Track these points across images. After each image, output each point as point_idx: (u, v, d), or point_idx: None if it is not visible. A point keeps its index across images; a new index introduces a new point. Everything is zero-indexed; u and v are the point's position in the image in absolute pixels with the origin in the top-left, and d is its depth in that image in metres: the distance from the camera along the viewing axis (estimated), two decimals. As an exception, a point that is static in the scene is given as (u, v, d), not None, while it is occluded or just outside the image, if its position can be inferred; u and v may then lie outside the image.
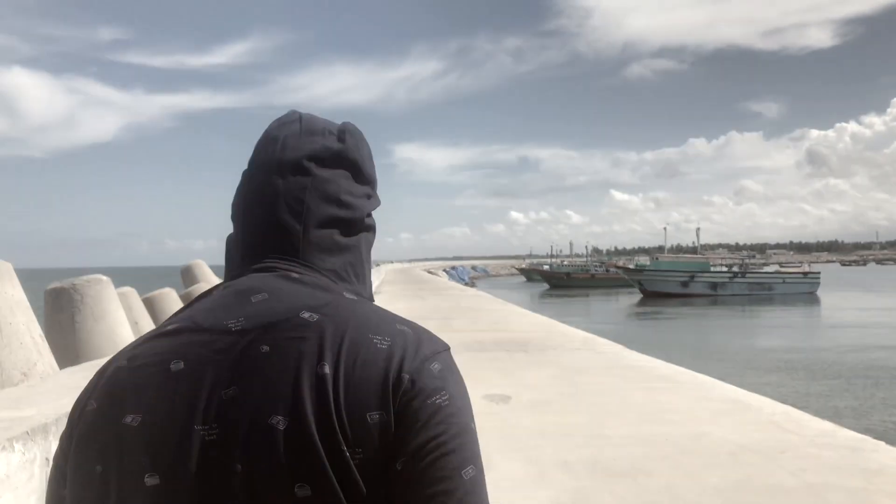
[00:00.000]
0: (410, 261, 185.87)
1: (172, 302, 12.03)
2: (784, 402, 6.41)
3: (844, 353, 19.99)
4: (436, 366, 0.80)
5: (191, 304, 0.87)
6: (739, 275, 54.53)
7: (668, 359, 8.96)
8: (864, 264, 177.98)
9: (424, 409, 0.76)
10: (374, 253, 1.02)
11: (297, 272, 0.86)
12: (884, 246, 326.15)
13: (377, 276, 36.37)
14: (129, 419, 0.77)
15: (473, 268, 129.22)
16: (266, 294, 0.83)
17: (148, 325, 9.80)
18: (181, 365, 0.79)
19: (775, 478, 4.12)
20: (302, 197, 0.89)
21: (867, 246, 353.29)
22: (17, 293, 5.53)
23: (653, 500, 3.82)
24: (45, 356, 5.56)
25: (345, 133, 0.95)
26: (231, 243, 0.93)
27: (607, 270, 76.64)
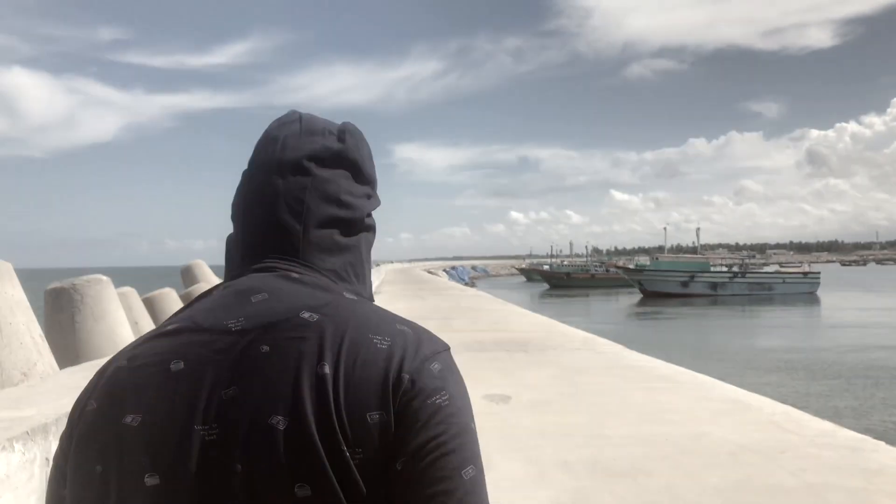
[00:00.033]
0: (410, 261, 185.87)
1: (172, 302, 12.03)
2: (784, 402, 6.41)
3: (844, 353, 19.99)
4: (436, 366, 0.80)
5: (191, 304, 0.87)
6: (739, 275, 54.53)
7: (668, 359, 8.96)
8: (864, 264, 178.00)
9: (424, 409, 0.76)
10: (374, 253, 1.02)
11: (297, 272, 0.86)
12: (884, 246, 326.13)
13: (377, 277, 36.38)
14: (129, 419, 0.77)
15: (473, 268, 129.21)
16: (266, 294, 0.82)
17: (148, 326, 9.80)
18: (181, 365, 0.78)
19: (775, 478, 4.12)
20: (302, 197, 0.88)
21: (867, 246, 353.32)
22: (17, 293, 5.53)
23: (653, 499, 3.82)
24: (45, 356, 5.56)
25: (345, 133, 0.95)
26: (231, 243, 0.93)
27: (607, 270, 76.64)
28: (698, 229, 74.46)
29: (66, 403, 3.22)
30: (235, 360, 0.77)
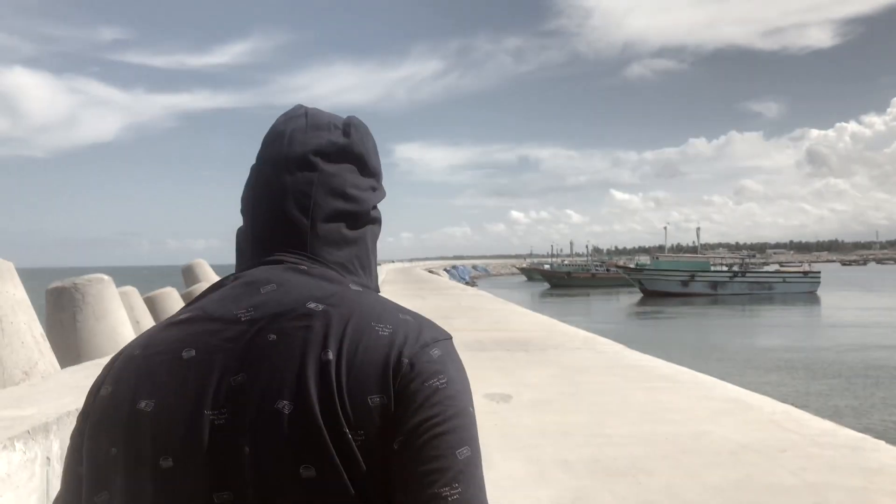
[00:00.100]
0: (411, 260, 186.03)
1: (174, 301, 12.04)
2: (784, 401, 6.41)
3: (844, 353, 19.98)
4: (435, 351, 0.82)
5: (202, 294, 0.90)
6: (739, 274, 54.54)
7: (669, 358, 8.96)
8: (865, 264, 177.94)
9: (422, 390, 0.78)
10: (375, 253, 1.03)
11: (304, 265, 0.89)
12: (884, 245, 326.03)
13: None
14: (142, 404, 0.80)
15: (474, 267, 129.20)
16: (275, 285, 0.85)
17: (149, 325, 9.81)
18: (192, 353, 0.82)
19: (776, 477, 4.12)
20: (309, 192, 0.91)
21: (867, 245, 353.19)
22: (18, 292, 5.54)
23: (653, 499, 3.83)
24: (46, 355, 5.57)
25: (350, 127, 0.97)
26: (241, 236, 0.96)
27: (608, 270, 76.66)
28: (698, 229, 74.61)
29: (68, 402, 3.22)
30: (244, 348, 0.81)
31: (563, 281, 74.64)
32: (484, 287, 52.33)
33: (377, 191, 0.98)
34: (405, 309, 0.88)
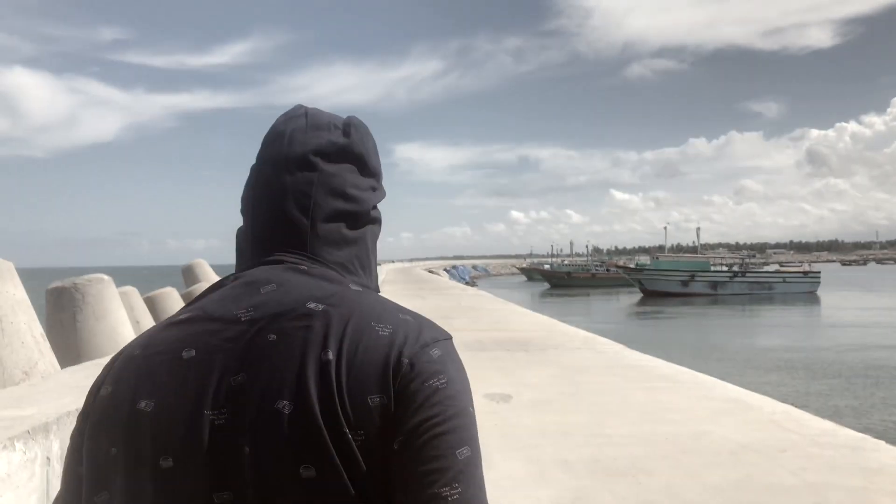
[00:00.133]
0: (411, 260, 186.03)
1: (174, 301, 12.04)
2: (784, 401, 6.41)
3: (844, 353, 19.98)
4: (435, 351, 0.82)
5: (203, 294, 0.90)
6: (739, 274, 54.54)
7: (669, 358, 8.96)
8: (865, 264, 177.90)
9: (422, 391, 0.78)
10: (375, 253, 1.02)
11: (304, 265, 0.89)
12: (884, 245, 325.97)
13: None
14: (142, 404, 0.81)
15: (474, 267, 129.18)
16: (275, 285, 0.85)
17: (149, 325, 9.80)
18: (192, 353, 0.82)
19: (776, 477, 4.12)
20: (309, 192, 0.91)
21: (867, 245, 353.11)
22: (18, 292, 5.54)
23: (653, 499, 3.82)
24: (46, 355, 5.57)
25: (350, 127, 0.97)
26: (241, 236, 0.96)
27: (608, 270, 76.66)
28: (698, 229, 74.61)
29: (68, 402, 3.22)
30: (244, 348, 0.81)
31: (563, 281, 74.63)
32: (484, 287, 52.33)
33: (377, 191, 0.98)
34: (405, 309, 0.88)
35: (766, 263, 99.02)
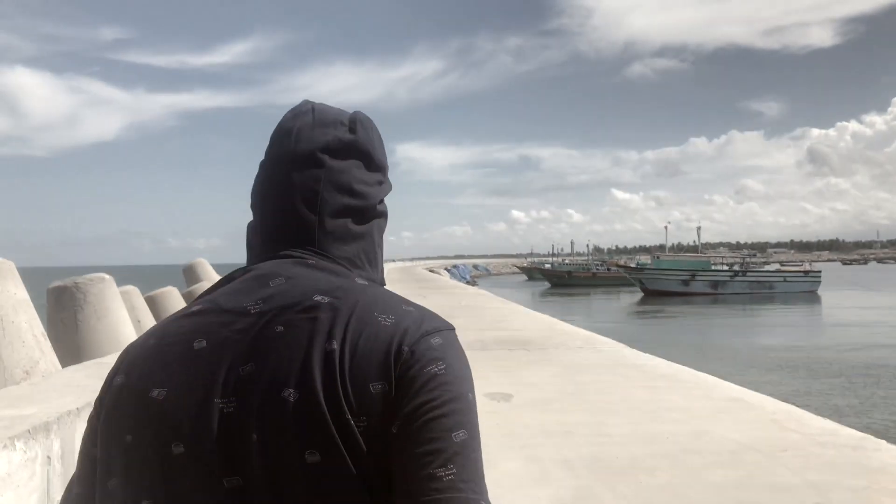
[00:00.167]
0: (412, 259, 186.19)
1: (175, 300, 12.03)
2: (785, 400, 6.40)
3: (845, 352, 19.98)
4: (436, 340, 0.85)
5: (214, 287, 0.94)
6: (740, 273, 54.54)
7: (670, 357, 8.95)
8: (865, 263, 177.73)
9: (420, 376, 0.81)
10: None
11: (312, 259, 0.92)
12: (885, 245, 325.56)
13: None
14: (155, 393, 0.84)
15: (475, 266, 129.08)
16: (283, 279, 0.88)
17: (150, 324, 9.80)
18: (203, 343, 0.85)
19: (777, 476, 4.12)
20: (316, 188, 0.94)
21: (868, 245, 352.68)
22: (19, 292, 5.54)
23: (654, 498, 3.82)
24: (47, 354, 5.57)
25: (355, 123, 0.99)
26: (251, 231, 0.99)
27: (608, 269, 76.68)
28: (699, 228, 74.59)
29: (69, 402, 3.22)
30: (253, 339, 0.84)
31: (563, 280, 74.65)
32: (485, 286, 52.31)
33: (383, 184, 1.01)
34: (409, 301, 0.90)
35: (766, 263, 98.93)
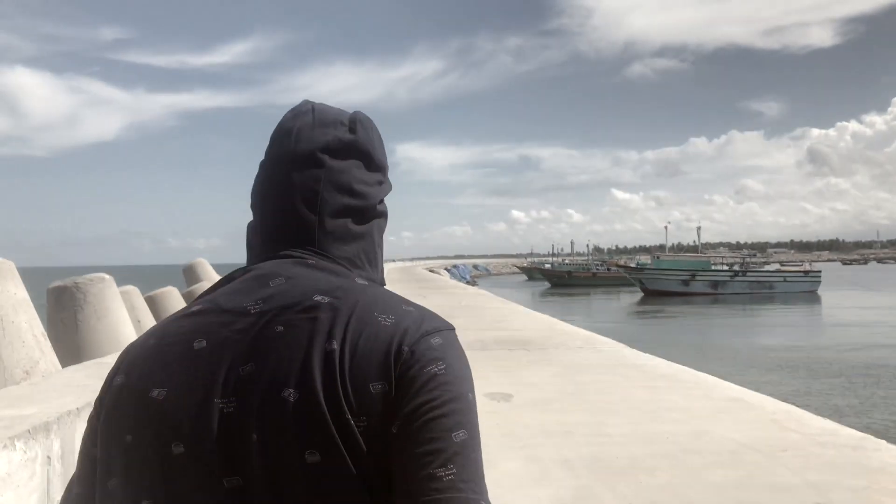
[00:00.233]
0: (412, 259, 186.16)
1: (175, 300, 12.03)
2: (785, 400, 6.40)
3: (845, 352, 19.98)
4: (436, 340, 0.85)
5: (215, 287, 0.94)
6: (740, 273, 54.53)
7: (670, 357, 8.95)
8: (865, 263, 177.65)
9: (420, 376, 0.81)
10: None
11: (312, 259, 0.92)
12: (885, 245, 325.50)
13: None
14: (155, 393, 0.84)
15: (475, 266, 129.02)
16: (283, 279, 0.89)
17: (150, 324, 9.80)
18: (203, 343, 0.85)
19: (777, 476, 4.12)
20: (317, 189, 0.94)
21: (868, 245, 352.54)
22: (19, 292, 5.54)
23: (654, 498, 3.82)
24: (47, 354, 5.57)
25: (355, 123, 0.99)
26: (251, 231, 0.99)
27: (608, 269, 76.66)
28: (699, 228, 74.57)
29: (69, 402, 3.22)
30: (253, 339, 0.84)
31: (563, 280, 74.64)
32: (485, 286, 52.29)
33: (383, 184, 1.01)
34: (409, 301, 0.90)
35: (766, 263, 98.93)
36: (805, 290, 50.65)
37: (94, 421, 0.89)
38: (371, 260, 0.98)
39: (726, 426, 5.23)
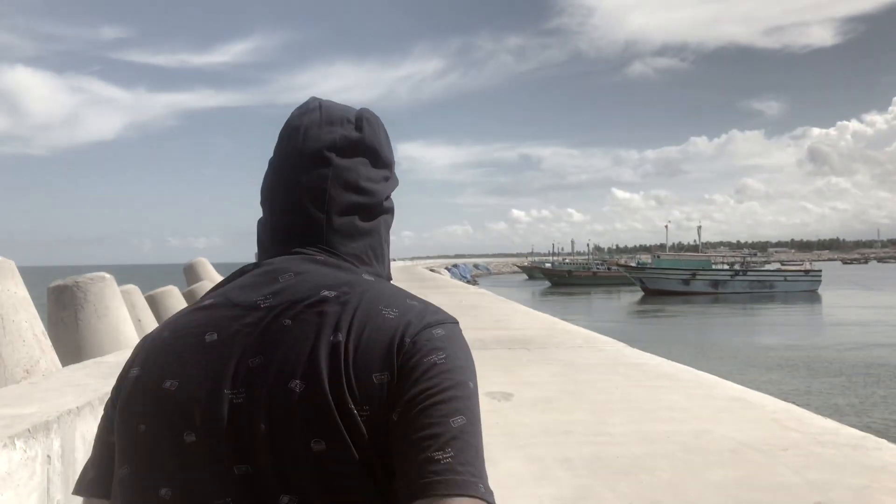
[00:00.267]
0: (413, 259, 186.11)
1: (175, 299, 12.03)
2: (786, 399, 6.40)
3: (846, 351, 19.98)
4: (438, 331, 0.88)
5: (225, 281, 0.97)
6: (741, 273, 54.55)
7: (670, 356, 8.95)
8: (866, 262, 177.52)
9: (421, 365, 0.83)
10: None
11: (321, 256, 0.95)
12: (885, 244, 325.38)
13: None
14: (168, 384, 0.87)
15: (475, 266, 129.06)
16: (292, 274, 0.92)
17: (151, 323, 9.80)
18: (214, 336, 0.89)
19: (777, 475, 4.12)
20: (324, 186, 0.96)
21: (868, 244, 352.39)
22: (20, 291, 5.54)
23: (655, 497, 3.82)
24: (47, 353, 5.57)
25: (362, 121, 1.01)
26: (261, 227, 1.02)
27: (609, 268, 76.69)
28: (700, 227, 74.53)
29: (69, 401, 3.22)
30: (262, 333, 0.87)
31: (564, 279, 74.69)
32: (485, 285, 52.28)
33: (390, 180, 1.03)
34: (413, 296, 0.93)
35: (767, 262, 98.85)
36: (805, 290, 50.67)
37: (109, 410, 0.93)
38: (378, 256, 1.00)
39: (727, 425, 5.23)
